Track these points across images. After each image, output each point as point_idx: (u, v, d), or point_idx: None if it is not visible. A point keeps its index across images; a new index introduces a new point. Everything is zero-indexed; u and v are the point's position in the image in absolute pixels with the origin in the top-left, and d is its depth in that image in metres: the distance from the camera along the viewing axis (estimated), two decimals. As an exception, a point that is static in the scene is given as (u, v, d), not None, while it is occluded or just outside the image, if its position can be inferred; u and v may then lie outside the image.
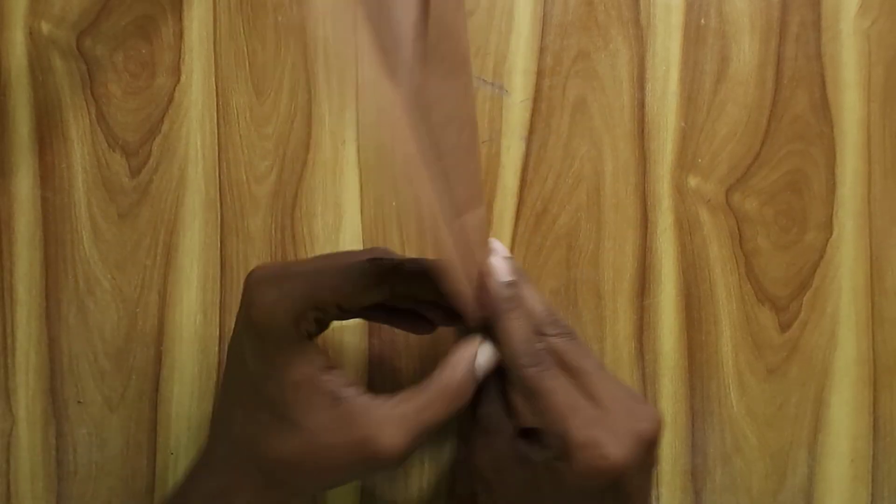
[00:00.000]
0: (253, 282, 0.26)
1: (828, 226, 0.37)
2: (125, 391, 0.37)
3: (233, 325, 0.28)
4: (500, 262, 0.28)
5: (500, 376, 0.28)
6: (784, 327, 0.37)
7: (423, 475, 0.37)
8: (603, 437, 0.25)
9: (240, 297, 0.27)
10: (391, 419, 0.25)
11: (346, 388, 0.26)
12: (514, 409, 0.28)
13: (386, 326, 0.37)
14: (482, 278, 0.27)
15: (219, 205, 0.37)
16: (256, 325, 0.25)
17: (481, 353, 0.26)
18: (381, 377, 0.37)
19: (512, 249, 0.37)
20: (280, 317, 0.24)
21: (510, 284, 0.27)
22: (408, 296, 0.27)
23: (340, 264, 0.26)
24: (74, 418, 0.37)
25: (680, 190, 0.37)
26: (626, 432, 0.26)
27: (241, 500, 0.27)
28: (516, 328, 0.27)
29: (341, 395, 0.25)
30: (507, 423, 0.28)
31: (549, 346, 0.27)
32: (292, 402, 0.25)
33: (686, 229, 0.37)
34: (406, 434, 0.25)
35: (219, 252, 0.37)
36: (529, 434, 0.27)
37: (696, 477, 0.37)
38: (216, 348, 0.37)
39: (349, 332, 0.37)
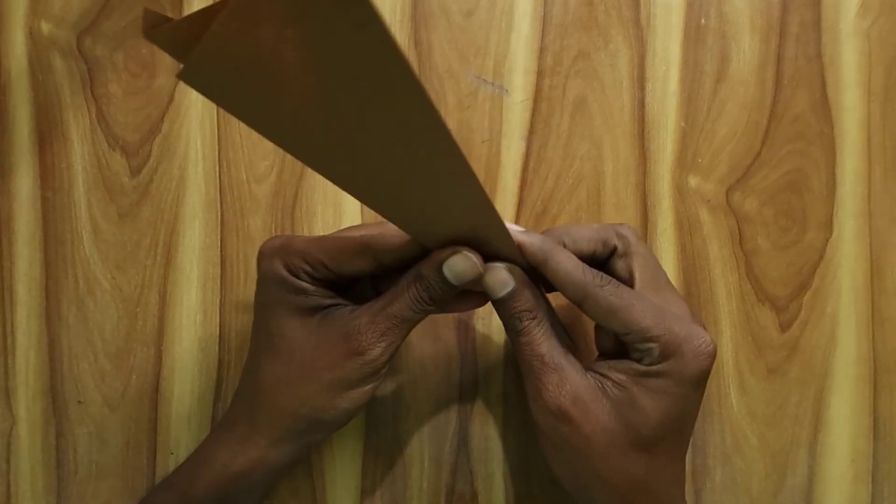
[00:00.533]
0: (264, 246, 0.29)
1: (828, 226, 0.37)
2: (125, 391, 0.37)
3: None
4: (515, 227, 0.30)
5: (549, 317, 0.29)
6: (784, 327, 0.37)
7: (423, 475, 0.37)
8: (695, 328, 0.28)
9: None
10: (364, 319, 0.27)
11: (327, 304, 0.29)
12: (593, 338, 0.31)
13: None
14: (518, 243, 0.28)
15: (219, 205, 0.37)
16: (260, 276, 0.29)
17: (457, 261, 0.26)
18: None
19: (512, 249, 0.37)
20: (276, 266, 0.28)
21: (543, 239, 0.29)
22: (399, 271, 0.29)
23: (338, 234, 0.29)
24: (74, 418, 0.37)
25: (680, 190, 0.37)
26: (700, 324, 0.29)
27: (220, 455, 0.29)
28: (571, 261, 0.28)
29: (323, 312, 0.28)
30: (571, 358, 0.29)
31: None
32: (282, 330, 0.28)
33: (686, 229, 0.37)
34: (380, 329, 0.27)
35: (219, 252, 0.37)
36: (605, 360, 0.29)
37: (696, 477, 0.37)
38: (216, 348, 0.37)
39: (349, 332, 0.37)
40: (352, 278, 0.29)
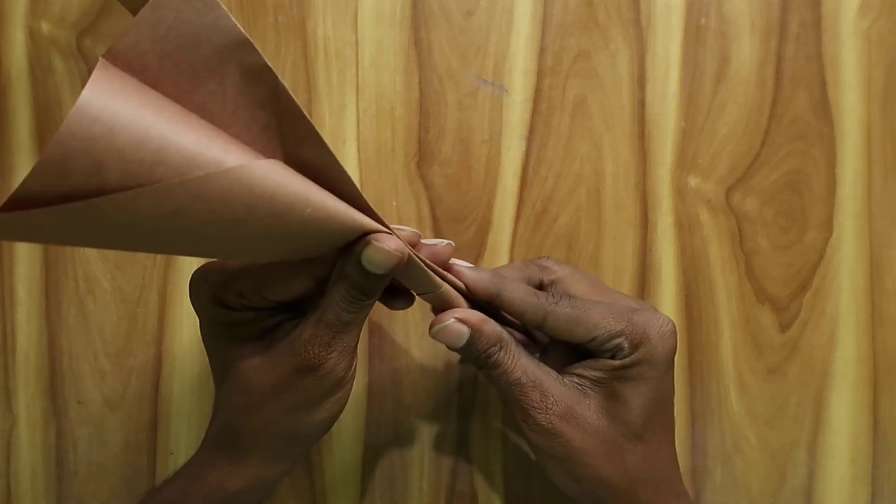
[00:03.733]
0: (192, 278, 0.28)
1: (828, 226, 0.37)
2: (125, 391, 0.37)
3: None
4: (463, 263, 0.30)
5: (510, 338, 0.29)
6: (784, 327, 0.37)
7: (423, 475, 0.37)
8: (651, 313, 0.29)
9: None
10: (307, 334, 0.26)
11: (272, 324, 0.28)
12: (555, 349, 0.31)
13: (386, 327, 0.37)
14: (463, 278, 0.29)
15: (219, 205, 0.37)
16: (196, 311, 0.29)
17: (371, 253, 0.25)
18: (381, 377, 0.37)
19: (512, 249, 0.37)
20: (204, 301, 0.27)
21: (490, 272, 0.30)
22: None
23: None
24: (74, 418, 0.37)
25: (680, 190, 0.37)
26: (651, 308, 0.30)
27: (214, 476, 0.29)
28: (523, 288, 0.29)
29: (270, 331, 0.28)
30: (545, 367, 0.29)
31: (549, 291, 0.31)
32: (232, 361, 0.27)
33: (686, 229, 0.37)
34: (324, 340, 0.26)
35: (219, 252, 0.37)
36: (578, 363, 0.30)
37: (696, 477, 0.37)
38: (216, 348, 0.37)
39: (349, 332, 0.37)
40: (299, 301, 0.28)
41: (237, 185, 0.18)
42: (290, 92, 0.20)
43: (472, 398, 0.37)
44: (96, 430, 0.37)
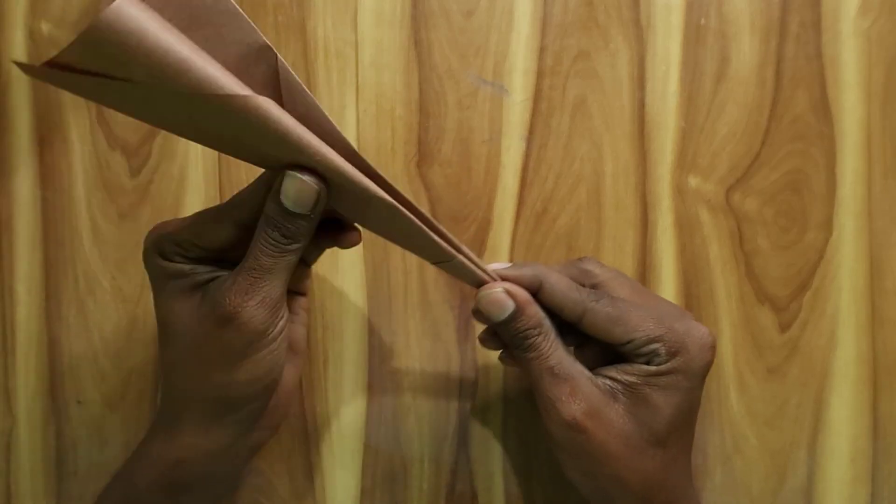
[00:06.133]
0: (145, 239, 0.28)
1: (828, 226, 0.37)
2: (125, 391, 0.37)
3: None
4: (501, 265, 0.30)
5: (553, 327, 0.29)
6: (784, 327, 0.37)
7: (423, 475, 0.37)
8: (693, 323, 0.29)
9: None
10: (227, 283, 0.25)
11: (207, 279, 0.27)
12: (593, 349, 0.30)
13: (385, 327, 0.37)
14: (505, 277, 0.29)
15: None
16: (147, 270, 0.28)
17: (287, 185, 0.24)
18: (381, 377, 0.37)
19: (512, 249, 0.37)
20: (151, 256, 0.27)
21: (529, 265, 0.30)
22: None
23: (198, 212, 0.28)
24: (74, 418, 0.37)
25: (680, 190, 0.37)
26: (691, 316, 0.30)
27: (154, 448, 0.28)
28: (564, 281, 0.29)
29: (204, 288, 0.27)
30: (579, 365, 0.29)
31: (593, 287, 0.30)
32: (168, 316, 0.27)
33: (686, 229, 0.37)
34: (242, 288, 0.25)
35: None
36: (611, 366, 0.29)
37: (696, 477, 0.37)
38: (216, 348, 0.37)
39: (349, 333, 0.37)
40: (229, 248, 0.27)
41: (252, 112, 0.21)
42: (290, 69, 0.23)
43: (472, 398, 0.37)
44: (96, 430, 0.37)
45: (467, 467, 0.37)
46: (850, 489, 0.37)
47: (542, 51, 0.37)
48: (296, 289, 0.32)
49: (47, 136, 0.37)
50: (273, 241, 0.25)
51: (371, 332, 0.37)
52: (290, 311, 0.31)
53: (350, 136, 0.37)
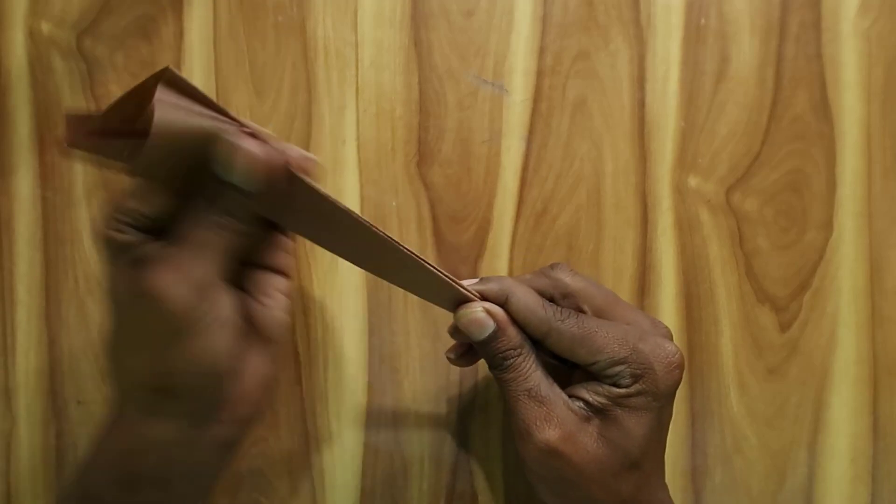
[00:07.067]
0: None
1: (828, 226, 0.37)
2: (125, 391, 0.37)
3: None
4: (470, 281, 0.30)
5: (532, 348, 0.29)
6: (784, 327, 0.37)
7: (423, 475, 0.37)
8: (659, 341, 0.28)
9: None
10: (152, 257, 0.24)
11: (139, 250, 0.25)
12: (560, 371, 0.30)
13: (386, 327, 0.37)
14: (479, 293, 0.28)
15: (219, 205, 0.37)
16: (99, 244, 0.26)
17: (223, 146, 0.23)
18: (381, 377, 0.37)
19: (512, 249, 0.37)
20: (101, 228, 0.25)
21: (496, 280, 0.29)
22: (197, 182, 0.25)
23: None
24: (74, 418, 0.37)
25: (680, 190, 0.37)
26: (662, 334, 0.29)
27: (106, 440, 0.27)
28: (532, 297, 0.28)
29: (135, 259, 0.25)
30: (556, 388, 0.28)
31: (561, 304, 0.30)
32: (111, 294, 0.25)
33: (686, 229, 0.37)
34: (173, 264, 0.23)
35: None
36: (581, 384, 0.29)
37: (696, 477, 0.37)
38: (216, 348, 0.37)
39: (349, 333, 0.37)
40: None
41: None
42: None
43: (472, 398, 0.37)
44: (96, 430, 0.37)
45: (467, 467, 0.37)
46: (850, 489, 0.37)
47: (542, 51, 0.37)
48: (272, 265, 0.29)
49: (47, 136, 0.37)
50: (205, 211, 0.23)
51: (371, 332, 0.37)
52: (264, 293, 0.28)
53: (350, 136, 0.37)
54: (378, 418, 0.37)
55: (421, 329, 0.37)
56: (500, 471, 0.37)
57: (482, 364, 0.37)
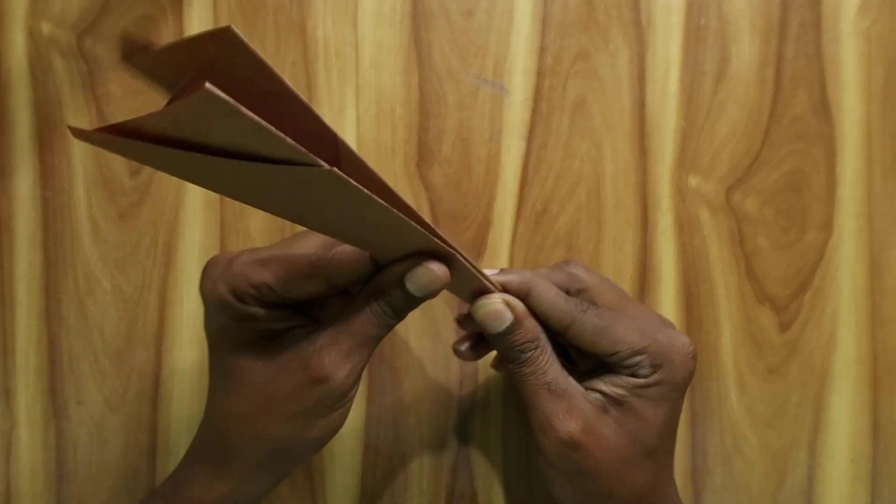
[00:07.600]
0: (205, 267, 0.27)
1: (828, 226, 0.37)
2: (125, 391, 0.37)
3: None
4: (500, 272, 0.29)
5: (549, 341, 0.29)
6: (784, 327, 0.37)
7: (423, 475, 0.37)
8: (674, 332, 0.29)
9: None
10: (324, 342, 0.25)
11: (283, 329, 0.27)
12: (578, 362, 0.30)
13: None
14: (500, 285, 0.28)
15: (219, 205, 0.37)
16: (206, 303, 0.27)
17: (420, 274, 0.25)
18: (381, 377, 0.37)
19: (512, 249, 0.37)
20: (220, 292, 0.26)
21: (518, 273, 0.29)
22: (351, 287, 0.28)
23: (283, 254, 0.27)
24: (74, 418, 0.37)
25: (680, 190, 0.37)
26: (671, 325, 0.30)
27: (191, 491, 0.28)
28: (553, 290, 0.28)
29: (280, 337, 0.27)
30: (572, 380, 0.28)
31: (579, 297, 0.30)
32: (237, 363, 0.26)
33: (686, 229, 0.37)
34: (342, 350, 0.25)
35: (219, 252, 0.37)
36: (597, 377, 0.29)
37: (696, 477, 0.37)
38: (216, 348, 0.37)
39: (349, 332, 0.37)
40: (312, 303, 0.27)
41: (329, 182, 0.20)
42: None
43: (472, 398, 0.37)
44: (96, 430, 0.37)
45: (467, 467, 0.37)
46: (850, 489, 0.37)
47: (542, 51, 0.37)
48: None
49: (47, 136, 0.37)
50: (384, 315, 0.25)
51: (371, 332, 0.37)
52: None
53: (350, 136, 0.37)
54: (378, 418, 0.37)
55: (421, 329, 0.37)
56: (500, 471, 0.37)
57: (482, 364, 0.37)
